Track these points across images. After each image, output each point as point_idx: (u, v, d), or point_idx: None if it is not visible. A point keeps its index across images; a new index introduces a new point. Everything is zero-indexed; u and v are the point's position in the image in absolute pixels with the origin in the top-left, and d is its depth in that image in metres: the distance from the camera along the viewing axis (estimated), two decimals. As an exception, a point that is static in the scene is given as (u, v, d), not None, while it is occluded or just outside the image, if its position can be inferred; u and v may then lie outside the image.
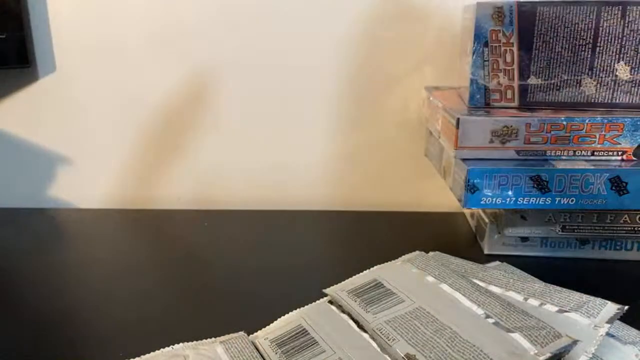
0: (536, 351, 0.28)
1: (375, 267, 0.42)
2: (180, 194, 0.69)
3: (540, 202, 0.45)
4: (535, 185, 0.44)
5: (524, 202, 0.45)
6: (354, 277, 0.41)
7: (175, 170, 0.68)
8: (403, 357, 0.30)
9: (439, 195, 0.67)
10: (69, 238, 0.58)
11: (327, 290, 0.40)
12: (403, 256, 0.43)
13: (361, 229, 0.59)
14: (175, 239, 0.57)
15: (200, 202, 0.68)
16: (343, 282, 0.41)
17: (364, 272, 0.42)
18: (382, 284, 0.38)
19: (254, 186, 0.68)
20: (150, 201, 0.68)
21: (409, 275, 0.39)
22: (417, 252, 0.43)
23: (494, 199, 0.45)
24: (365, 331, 0.34)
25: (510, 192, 0.45)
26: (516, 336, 0.29)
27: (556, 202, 0.45)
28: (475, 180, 0.44)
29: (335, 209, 0.67)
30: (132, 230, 0.59)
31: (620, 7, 0.46)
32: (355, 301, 0.37)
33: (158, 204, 0.68)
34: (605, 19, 0.47)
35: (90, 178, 0.68)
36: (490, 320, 0.31)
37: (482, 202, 0.45)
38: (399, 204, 0.68)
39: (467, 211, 0.61)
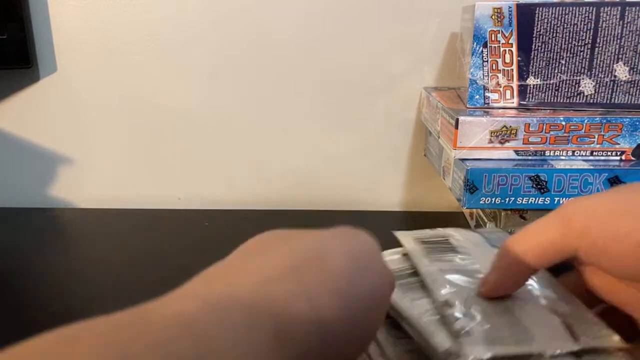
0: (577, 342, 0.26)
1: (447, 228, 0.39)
2: (180, 194, 0.69)
3: (539, 202, 0.45)
4: (534, 185, 0.45)
5: (523, 202, 0.45)
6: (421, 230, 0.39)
7: (176, 170, 0.68)
8: (443, 302, 0.28)
9: (438, 195, 0.67)
10: (69, 238, 0.58)
11: (403, 233, 0.38)
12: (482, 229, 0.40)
13: (361, 228, 0.59)
14: (175, 239, 0.57)
15: (200, 202, 0.68)
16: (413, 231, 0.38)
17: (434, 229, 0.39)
18: (450, 242, 0.36)
19: (254, 186, 0.68)
20: (150, 201, 0.68)
21: (478, 242, 0.36)
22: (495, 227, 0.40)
23: (493, 199, 0.45)
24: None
25: (509, 192, 0.45)
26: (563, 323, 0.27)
27: (555, 202, 0.45)
28: (474, 180, 0.45)
29: (334, 208, 0.67)
30: (132, 230, 0.59)
31: (619, 7, 0.46)
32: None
33: (158, 204, 0.68)
34: (604, 19, 0.47)
35: (90, 178, 0.68)
36: (543, 301, 0.29)
37: (481, 202, 0.45)
38: (399, 204, 0.68)
39: (466, 211, 0.61)
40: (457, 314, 0.27)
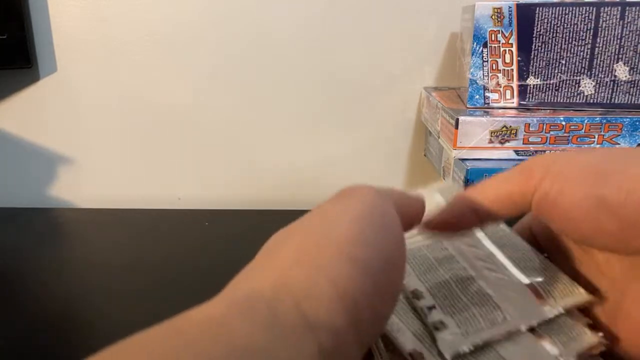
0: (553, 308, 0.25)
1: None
2: (180, 194, 0.69)
3: (539, 202, 0.45)
4: (534, 185, 0.45)
5: (523, 202, 0.45)
6: None
7: (176, 170, 0.68)
8: (411, 292, 0.26)
9: (438, 195, 0.67)
10: (69, 238, 0.58)
11: None
12: (434, 185, 0.38)
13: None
14: (175, 239, 0.57)
15: (200, 202, 0.68)
16: None
17: None
18: None
19: (254, 187, 0.68)
20: (150, 201, 0.68)
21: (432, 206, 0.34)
22: (450, 183, 0.38)
23: (493, 199, 0.45)
24: None
25: (509, 192, 0.45)
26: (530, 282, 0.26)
27: (555, 202, 0.45)
28: (474, 180, 0.44)
29: (335, 209, 0.67)
30: (132, 230, 0.59)
31: (619, 7, 0.46)
32: None
33: (158, 204, 0.68)
34: (604, 19, 0.47)
35: (90, 178, 0.68)
36: (509, 267, 0.27)
37: (481, 202, 0.45)
38: (399, 204, 0.68)
39: (466, 211, 0.61)
40: (428, 305, 0.25)
